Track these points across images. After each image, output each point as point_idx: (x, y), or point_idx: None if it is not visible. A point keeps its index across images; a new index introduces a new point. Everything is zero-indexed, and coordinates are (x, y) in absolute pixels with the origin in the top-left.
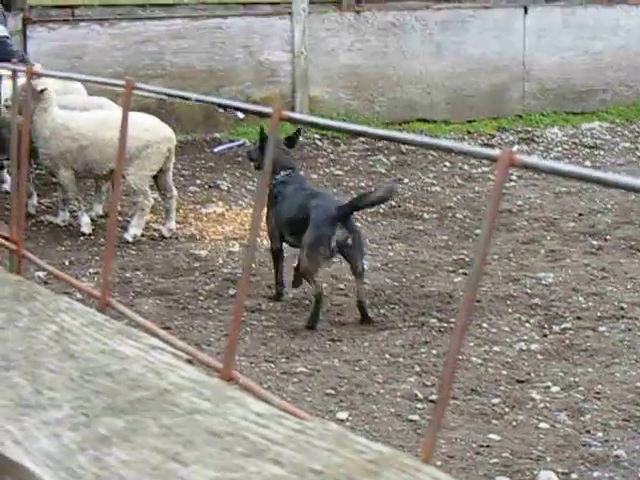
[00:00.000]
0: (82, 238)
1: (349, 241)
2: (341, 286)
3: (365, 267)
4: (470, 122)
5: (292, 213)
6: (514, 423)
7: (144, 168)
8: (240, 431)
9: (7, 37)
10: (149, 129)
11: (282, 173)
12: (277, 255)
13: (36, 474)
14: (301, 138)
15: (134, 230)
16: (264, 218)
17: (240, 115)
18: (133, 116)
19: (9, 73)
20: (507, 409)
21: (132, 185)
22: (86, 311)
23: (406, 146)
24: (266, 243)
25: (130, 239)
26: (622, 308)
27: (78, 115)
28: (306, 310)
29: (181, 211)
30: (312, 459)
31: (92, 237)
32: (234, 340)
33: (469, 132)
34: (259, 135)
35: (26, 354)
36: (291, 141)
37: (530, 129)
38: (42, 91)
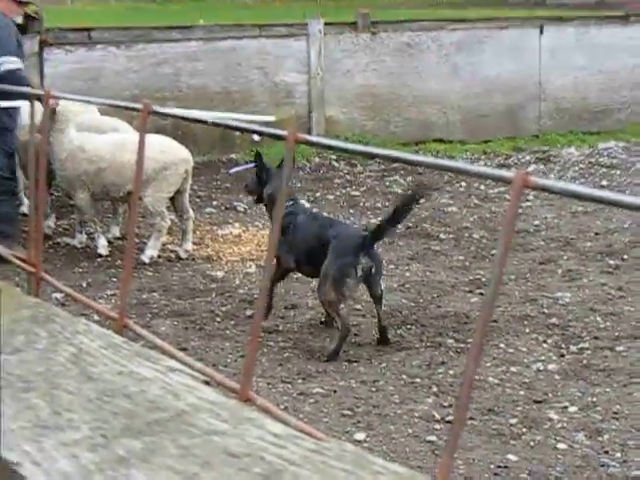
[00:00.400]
0: (99, 260)
1: (373, 269)
2: (358, 307)
3: (382, 289)
4: (486, 142)
5: (309, 243)
6: (532, 443)
7: (161, 190)
8: (257, 452)
9: (20, 69)
10: (166, 151)
11: (286, 203)
12: (278, 279)
13: None
14: (317, 159)
15: (151, 251)
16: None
17: (256, 137)
18: (150, 138)
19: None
20: (525, 429)
21: (149, 207)
22: (104, 333)
23: (422, 167)
24: None
25: (147, 260)
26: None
27: (95, 137)
28: (324, 331)
29: (198, 232)
30: (329, 479)
31: (109, 259)
32: (251, 361)
33: (485, 152)
34: (256, 166)
35: (45, 376)
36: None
37: (546, 149)
38: (54, 111)
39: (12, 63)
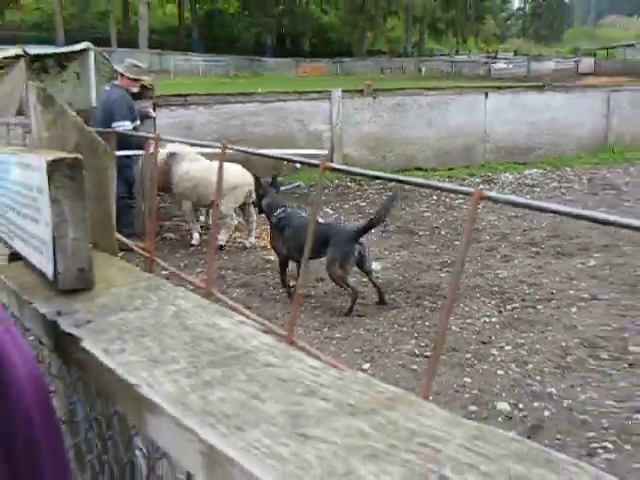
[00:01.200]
0: (192, 249)
1: (363, 253)
2: (364, 279)
3: (373, 267)
4: (450, 169)
5: (302, 238)
6: (480, 371)
7: (231, 201)
8: (299, 378)
9: (134, 129)
10: (236, 175)
11: (279, 210)
12: (284, 264)
13: (162, 407)
14: (337, 181)
15: (221, 239)
16: (270, 243)
17: (298, 166)
18: (227, 166)
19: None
20: (476, 361)
21: (223, 211)
22: (195, 297)
23: (407, 185)
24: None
25: (217, 245)
26: (552, 293)
27: (194, 165)
28: (341, 296)
29: (258, 229)
30: (348, 397)
31: (199, 248)
32: (294, 316)
33: (449, 177)
34: (255, 187)
35: (155, 326)
36: (275, 185)
37: (490, 174)
38: (171, 154)
39: (126, 126)
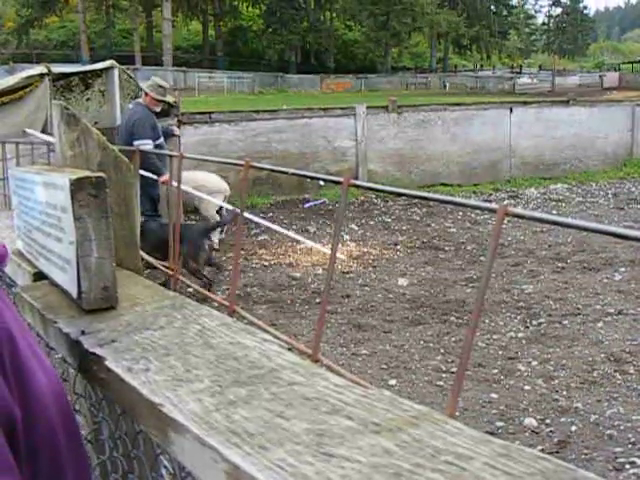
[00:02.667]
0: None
1: (213, 247)
2: (390, 296)
3: (399, 283)
4: (475, 185)
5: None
6: (507, 386)
7: (212, 206)
8: (324, 396)
9: (160, 146)
10: (214, 183)
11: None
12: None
13: (186, 426)
14: (362, 197)
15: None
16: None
17: (322, 183)
18: (205, 175)
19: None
20: (502, 377)
21: (206, 214)
22: (220, 315)
23: (432, 202)
24: (340, 267)
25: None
26: (578, 308)
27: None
28: (367, 312)
29: (283, 247)
30: (373, 415)
31: (223, 265)
32: (319, 333)
33: (474, 192)
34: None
35: (180, 345)
36: None
37: (515, 189)
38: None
39: (146, 145)
